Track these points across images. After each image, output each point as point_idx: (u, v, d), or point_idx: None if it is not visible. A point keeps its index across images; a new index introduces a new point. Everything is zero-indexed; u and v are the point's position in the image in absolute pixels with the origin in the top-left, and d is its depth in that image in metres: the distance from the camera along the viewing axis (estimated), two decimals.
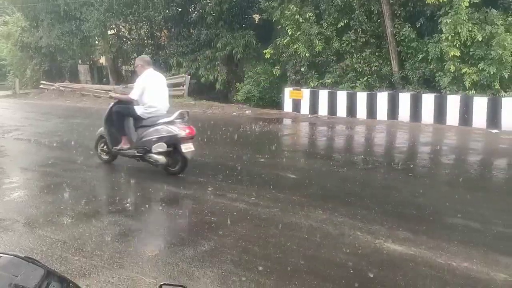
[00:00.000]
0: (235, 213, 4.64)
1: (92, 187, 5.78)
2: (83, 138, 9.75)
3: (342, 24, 14.43)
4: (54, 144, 8.86)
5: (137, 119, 6.27)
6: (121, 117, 6.35)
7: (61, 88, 23.26)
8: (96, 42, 24.30)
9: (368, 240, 3.94)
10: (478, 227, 4.33)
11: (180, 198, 5.22)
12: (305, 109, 14.31)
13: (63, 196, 5.28)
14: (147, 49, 23.41)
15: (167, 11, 21.29)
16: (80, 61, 26.26)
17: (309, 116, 13.84)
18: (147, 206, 4.95)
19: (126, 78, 25.10)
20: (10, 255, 1.11)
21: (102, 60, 26.47)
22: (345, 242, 3.92)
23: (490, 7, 11.79)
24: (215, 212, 4.69)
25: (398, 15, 13.54)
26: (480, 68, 11.55)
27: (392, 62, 13.83)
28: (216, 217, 4.51)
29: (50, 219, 4.46)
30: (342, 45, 14.53)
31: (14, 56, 28.01)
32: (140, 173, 6.48)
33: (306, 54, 14.51)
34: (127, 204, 5.02)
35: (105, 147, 6.72)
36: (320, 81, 14.81)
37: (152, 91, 6.13)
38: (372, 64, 13.96)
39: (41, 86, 24.82)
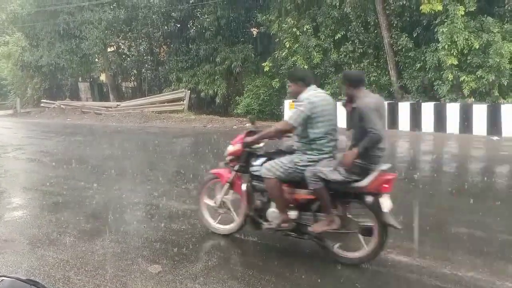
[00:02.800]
0: None
1: (94, 205, 5.76)
2: (84, 156, 9.79)
3: (339, 35, 14.57)
4: (56, 163, 8.86)
5: None
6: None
7: (62, 106, 23.42)
8: (96, 60, 24.54)
9: None
10: (483, 236, 4.30)
11: (182, 213, 5.20)
12: None
13: (65, 215, 5.26)
14: (146, 65, 23.63)
15: (166, 27, 21.56)
16: (80, 78, 26.49)
17: None
18: (148, 222, 4.93)
19: (126, 94, 25.31)
20: (12, 277, 1.10)
21: (102, 77, 26.68)
22: None
23: (486, 15, 11.89)
24: None
25: (394, 25, 13.67)
26: (479, 76, 11.61)
27: (390, 72, 13.92)
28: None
29: (52, 238, 4.44)
30: (340, 56, 14.64)
31: (15, 76, 28.27)
32: (141, 190, 6.48)
33: (305, 66, 14.60)
34: (129, 222, 5.00)
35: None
36: None
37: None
38: (370, 75, 14.04)
39: (42, 104, 25.01)
